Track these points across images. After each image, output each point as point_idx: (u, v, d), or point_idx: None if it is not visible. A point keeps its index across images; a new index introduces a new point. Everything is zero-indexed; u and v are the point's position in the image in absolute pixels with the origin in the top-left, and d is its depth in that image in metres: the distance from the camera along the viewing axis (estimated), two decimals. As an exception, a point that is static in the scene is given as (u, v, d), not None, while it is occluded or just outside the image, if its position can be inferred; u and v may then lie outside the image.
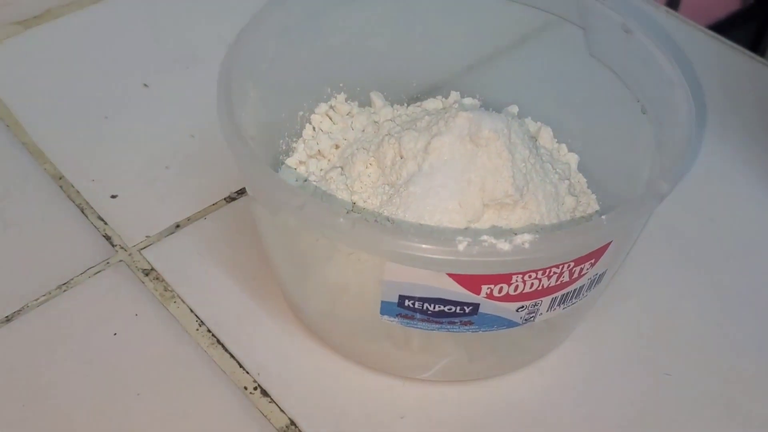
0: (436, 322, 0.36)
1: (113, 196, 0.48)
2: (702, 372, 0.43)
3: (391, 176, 0.42)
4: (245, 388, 0.41)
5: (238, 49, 0.40)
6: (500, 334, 0.37)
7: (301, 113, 0.47)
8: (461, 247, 0.31)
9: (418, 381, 0.41)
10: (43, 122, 0.53)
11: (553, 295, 0.36)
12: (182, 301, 0.44)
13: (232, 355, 0.42)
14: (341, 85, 0.49)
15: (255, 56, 0.42)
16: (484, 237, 0.32)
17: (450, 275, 0.33)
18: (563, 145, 0.48)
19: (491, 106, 0.50)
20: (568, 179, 0.45)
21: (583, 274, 0.35)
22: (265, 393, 0.40)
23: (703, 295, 0.46)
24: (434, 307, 0.35)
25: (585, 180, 0.47)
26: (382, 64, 0.49)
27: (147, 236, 0.47)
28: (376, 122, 0.48)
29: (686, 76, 0.40)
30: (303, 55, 0.45)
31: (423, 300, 0.35)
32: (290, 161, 0.46)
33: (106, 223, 0.47)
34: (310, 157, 0.47)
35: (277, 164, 0.46)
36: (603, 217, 0.33)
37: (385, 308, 0.36)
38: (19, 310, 0.43)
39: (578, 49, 0.46)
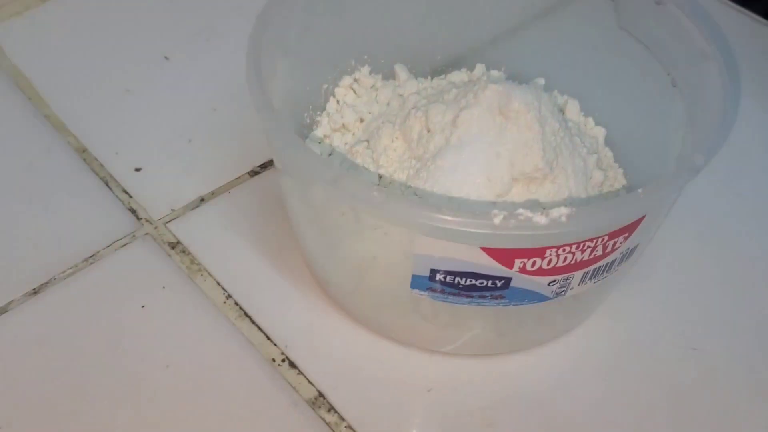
0: (467, 296, 0.36)
1: (137, 169, 0.48)
2: (729, 347, 0.43)
3: (417, 150, 0.42)
4: (273, 360, 0.41)
5: (265, 21, 0.40)
6: (530, 308, 0.37)
7: (325, 86, 0.47)
8: (497, 220, 0.31)
9: (444, 354, 0.41)
10: (64, 95, 0.52)
11: (586, 269, 0.35)
12: (209, 274, 0.44)
13: (259, 328, 0.42)
14: (365, 57, 0.48)
15: (282, 28, 0.41)
16: (521, 210, 0.31)
17: (483, 249, 0.33)
18: (590, 119, 0.48)
19: (517, 78, 0.49)
20: (596, 153, 0.45)
21: (616, 248, 0.35)
22: (293, 365, 0.40)
23: (729, 270, 0.46)
24: (465, 281, 0.35)
25: (612, 154, 0.47)
26: (407, 36, 0.49)
27: (172, 209, 0.47)
28: (401, 95, 0.47)
29: (720, 48, 0.39)
30: (328, 27, 0.45)
31: (454, 274, 0.34)
32: (314, 135, 0.46)
33: (130, 197, 0.47)
34: (335, 130, 0.46)
35: (303, 137, 0.46)
36: (639, 190, 0.33)
37: (416, 282, 0.36)
38: (46, 283, 0.43)
39: (606, 21, 0.45)
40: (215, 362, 0.40)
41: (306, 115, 0.46)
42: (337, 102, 0.48)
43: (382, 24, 0.47)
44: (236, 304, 0.43)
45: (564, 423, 0.39)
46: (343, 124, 0.46)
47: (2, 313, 0.42)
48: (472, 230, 0.31)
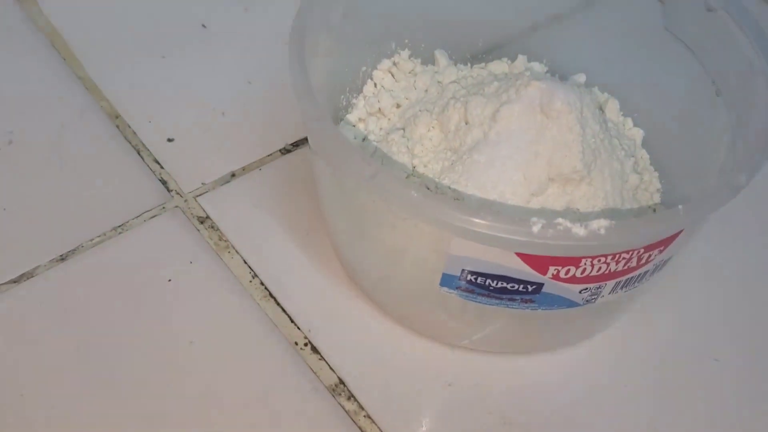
0: (497, 298, 0.35)
1: (170, 140, 0.48)
2: (751, 359, 0.42)
3: (454, 142, 0.42)
4: (296, 343, 0.41)
5: (309, 7, 0.39)
6: (558, 312, 0.37)
7: (363, 68, 0.46)
8: (535, 228, 0.31)
9: (466, 349, 0.41)
10: (99, 57, 0.52)
11: (618, 279, 0.35)
12: (236, 251, 0.44)
13: (284, 310, 0.42)
14: (406, 41, 0.47)
15: (327, 8, 0.40)
16: (560, 220, 0.31)
17: (518, 254, 0.33)
18: (629, 119, 0.47)
19: (558, 71, 0.49)
20: (633, 156, 0.44)
21: (650, 260, 0.35)
22: (315, 350, 0.41)
23: (755, 281, 0.46)
24: (497, 284, 0.34)
25: (648, 156, 0.46)
26: (448, 21, 0.48)
27: (203, 183, 0.46)
28: (439, 82, 0.47)
29: (770, 62, 0.38)
30: (372, 8, 0.44)
31: (486, 276, 0.34)
32: (350, 117, 0.46)
33: (162, 167, 0.47)
34: (370, 114, 0.46)
35: (337, 120, 0.45)
36: (680, 207, 0.32)
37: (446, 280, 0.35)
38: (74, 250, 0.43)
39: (652, 20, 0.44)
40: (238, 342, 0.40)
41: (342, 97, 0.46)
42: (375, 85, 0.47)
43: (425, 8, 0.47)
44: (262, 284, 0.43)
45: (583, 426, 0.39)
46: (380, 109, 0.46)
47: (28, 278, 0.42)
48: (511, 237, 0.31)
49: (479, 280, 0.35)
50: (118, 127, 0.48)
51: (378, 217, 0.37)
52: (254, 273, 0.43)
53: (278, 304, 0.42)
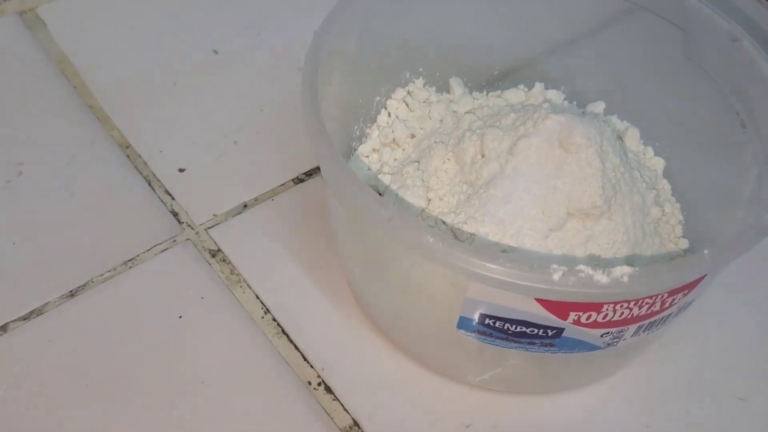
0: (515, 341, 0.35)
1: (181, 170, 0.47)
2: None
3: (470, 175, 0.41)
4: (309, 382, 0.40)
5: (323, 37, 0.38)
6: (578, 355, 0.36)
7: (377, 98, 0.46)
8: (556, 276, 0.30)
9: (483, 389, 0.40)
10: (110, 86, 0.51)
11: (641, 323, 0.34)
12: (248, 286, 0.43)
13: (296, 347, 0.41)
14: (420, 69, 0.47)
15: (341, 40, 0.40)
16: (581, 267, 0.30)
17: (538, 300, 0.32)
18: (649, 148, 0.46)
19: (576, 98, 0.48)
20: (655, 188, 0.43)
21: (674, 304, 0.34)
22: (328, 389, 0.40)
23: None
24: (516, 328, 0.34)
25: (669, 187, 0.45)
26: (464, 48, 0.47)
27: (214, 215, 0.46)
28: (455, 112, 0.46)
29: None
30: (386, 39, 0.43)
31: (505, 320, 0.33)
32: (363, 148, 0.45)
33: (173, 198, 0.46)
34: (385, 145, 0.45)
35: (350, 150, 0.45)
36: (705, 252, 0.31)
37: (463, 323, 0.34)
38: (83, 285, 0.42)
39: (673, 47, 0.43)
40: (250, 381, 0.40)
41: (356, 127, 0.45)
42: (389, 115, 0.46)
43: (439, 35, 0.46)
44: (274, 320, 0.42)
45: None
46: (394, 139, 0.45)
47: (38, 315, 0.41)
48: (530, 284, 0.30)
49: (497, 324, 0.34)
50: (128, 157, 0.48)
51: (394, 257, 0.36)
52: (266, 308, 0.42)
53: (291, 341, 0.41)
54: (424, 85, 0.47)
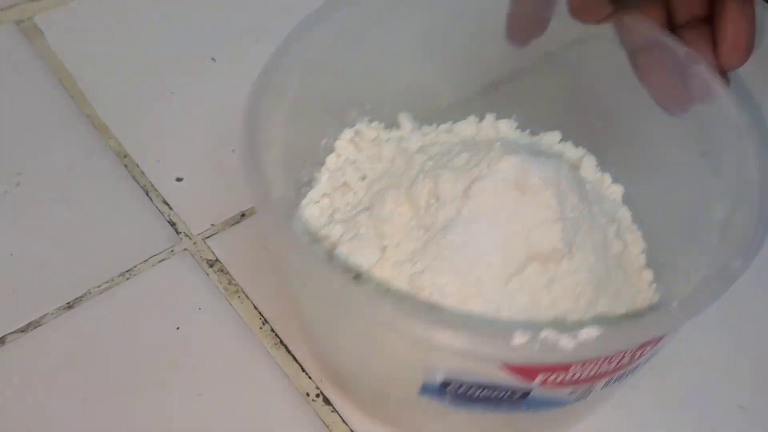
0: (481, 405, 0.33)
1: (178, 179, 0.46)
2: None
3: (425, 219, 0.39)
4: (307, 394, 0.39)
5: (264, 82, 0.36)
6: (547, 411, 0.34)
7: (324, 141, 0.44)
8: (519, 341, 0.28)
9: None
10: (107, 95, 0.50)
11: (610, 377, 0.33)
12: (246, 296, 0.42)
13: (294, 359, 0.40)
14: (367, 107, 0.45)
15: (282, 87, 0.38)
16: (546, 332, 0.28)
17: (503, 366, 0.30)
18: (607, 175, 0.45)
19: (529, 126, 0.47)
20: (615, 222, 0.42)
21: (644, 355, 0.32)
22: (327, 401, 0.39)
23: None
24: (481, 393, 0.32)
25: (629, 214, 0.44)
26: (411, 82, 0.45)
27: (212, 224, 0.45)
28: (406, 149, 0.44)
29: (757, 123, 0.36)
30: (329, 79, 0.41)
31: (470, 386, 0.32)
32: (313, 193, 0.43)
33: (170, 208, 0.45)
34: (335, 189, 0.43)
35: (299, 197, 0.43)
36: (675, 303, 0.30)
37: (426, 389, 0.33)
38: (81, 297, 0.42)
39: (628, 73, 0.42)
40: (248, 393, 0.39)
41: (304, 172, 0.43)
42: (338, 156, 0.44)
43: (384, 71, 0.44)
44: (272, 330, 0.41)
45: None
46: (344, 183, 0.43)
47: (35, 327, 0.40)
48: (492, 352, 0.29)
49: (461, 389, 0.32)
50: (126, 166, 0.47)
51: (349, 318, 0.34)
52: (264, 319, 0.41)
53: (289, 352, 0.40)
54: (371, 123, 0.45)
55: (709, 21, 0.39)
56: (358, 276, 0.38)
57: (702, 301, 0.30)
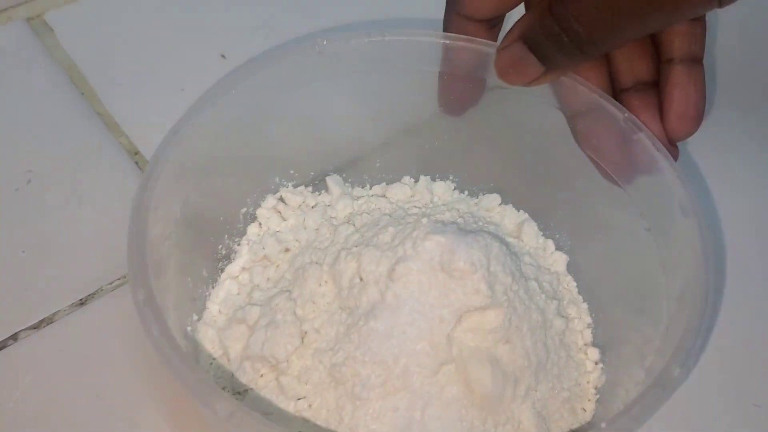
0: None
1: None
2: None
3: (348, 300, 0.36)
4: None
5: (165, 151, 0.33)
6: None
7: (244, 210, 0.40)
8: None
9: None
10: (118, 92, 0.49)
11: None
12: None
13: None
14: (292, 172, 0.41)
15: (188, 156, 0.35)
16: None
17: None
18: (550, 242, 0.42)
19: (467, 188, 0.44)
20: (556, 299, 0.39)
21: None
22: None
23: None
24: None
25: (575, 284, 0.41)
26: (338, 143, 0.42)
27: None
28: (333, 218, 0.41)
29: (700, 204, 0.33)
30: (245, 145, 0.38)
31: None
32: (231, 268, 0.40)
33: None
34: (255, 262, 0.40)
35: (216, 273, 0.39)
36: (603, 425, 0.27)
37: None
38: (93, 294, 0.41)
39: (568, 136, 0.39)
40: None
41: (221, 246, 0.40)
42: (260, 226, 0.41)
43: (307, 133, 0.41)
44: None
45: None
46: (265, 256, 0.40)
47: (48, 324, 0.40)
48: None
49: None
50: (137, 164, 0.46)
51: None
52: None
53: None
54: (296, 188, 0.42)
55: (656, 85, 0.36)
56: (243, 393, 0.35)
57: (635, 420, 0.27)
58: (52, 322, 0.40)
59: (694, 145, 0.48)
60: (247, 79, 0.36)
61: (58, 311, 0.40)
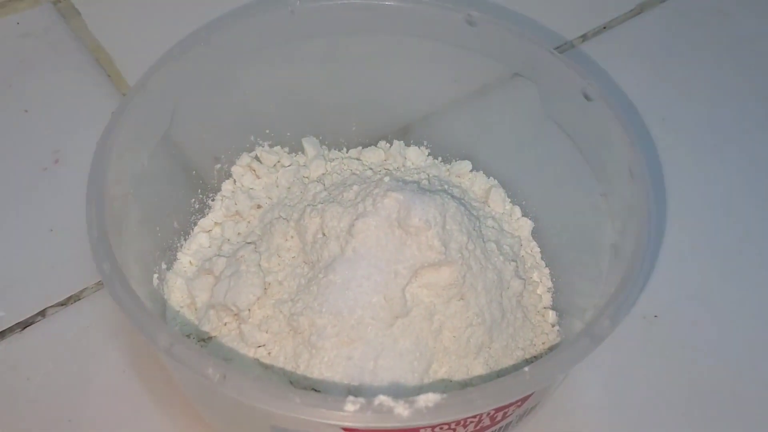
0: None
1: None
2: None
3: (312, 254, 0.37)
4: None
5: (131, 100, 0.35)
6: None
7: (218, 166, 0.42)
8: (351, 409, 0.26)
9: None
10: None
11: (475, 437, 0.31)
12: None
13: None
14: (267, 131, 0.43)
15: (154, 106, 0.36)
16: (380, 399, 0.27)
17: (346, 429, 0.28)
18: (516, 208, 0.43)
19: (441, 154, 0.45)
20: (515, 261, 0.39)
21: (509, 415, 0.30)
22: None
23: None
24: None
25: (539, 250, 0.42)
26: (316, 106, 0.43)
27: None
28: (306, 177, 0.42)
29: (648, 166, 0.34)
30: (218, 101, 0.39)
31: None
32: (204, 222, 0.41)
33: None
34: (228, 218, 0.41)
35: (189, 225, 0.41)
36: (526, 369, 0.28)
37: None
38: None
39: (538, 107, 0.40)
40: None
41: (194, 200, 0.41)
42: (234, 182, 0.42)
43: (284, 95, 0.42)
44: None
45: None
46: (237, 212, 0.41)
47: (75, 301, 0.41)
48: (326, 420, 0.27)
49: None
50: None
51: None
52: None
53: None
54: (272, 147, 0.43)
55: None
56: (207, 340, 0.37)
57: (555, 368, 0.28)
58: (79, 299, 0.41)
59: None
60: (216, 34, 0.37)
61: (86, 288, 0.41)
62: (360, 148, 0.45)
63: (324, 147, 0.44)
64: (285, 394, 0.27)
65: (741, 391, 0.40)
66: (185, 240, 0.40)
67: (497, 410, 0.29)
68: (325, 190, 0.40)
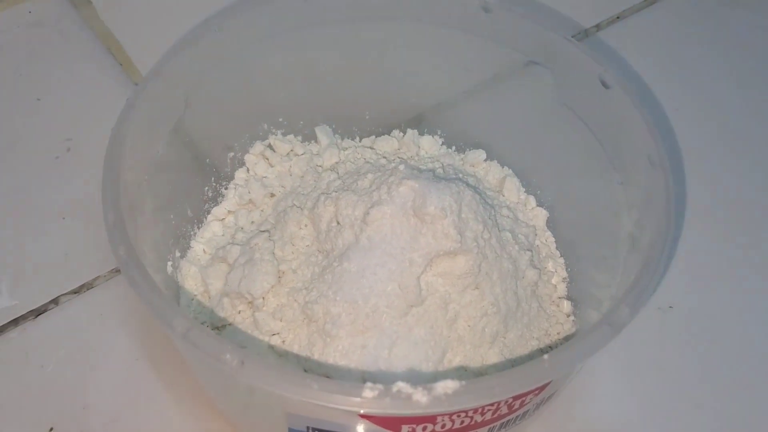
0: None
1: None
2: None
3: (326, 243, 0.37)
4: None
5: (143, 92, 0.34)
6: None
7: (231, 155, 0.41)
8: (370, 395, 0.26)
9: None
10: (155, 62, 0.48)
11: (491, 426, 0.30)
12: None
13: None
14: (281, 120, 0.42)
15: (166, 95, 0.36)
16: (399, 385, 0.26)
17: (363, 416, 0.28)
18: (531, 198, 0.42)
19: (455, 144, 0.44)
20: (530, 250, 0.39)
21: (526, 404, 0.30)
22: None
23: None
24: (348, 440, 0.30)
25: (554, 239, 0.42)
26: (329, 96, 0.43)
27: None
28: (319, 166, 0.42)
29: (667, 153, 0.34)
30: (231, 90, 0.39)
31: (335, 433, 0.30)
32: (218, 210, 0.41)
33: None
34: (241, 206, 0.41)
35: (202, 213, 0.41)
36: (546, 356, 0.27)
37: (294, 433, 0.31)
38: None
39: (553, 96, 0.39)
40: None
41: (207, 188, 0.41)
42: (248, 170, 0.42)
43: (297, 84, 0.42)
44: None
45: None
46: (251, 200, 0.41)
47: (88, 289, 0.41)
48: (343, 407, 0.26)
49: (327, 436, 0.30)
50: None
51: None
52: None
53: None
54: (285, 136, 0.43)
55: None
56: (221, 328, 0.37)
57: (574, 356, 0.28)
58: (92, 287, 0.41)
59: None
60: (229, 21, 0.37)
61: (98, 277, 0.41)
62: (373, 137, 0.45)
63: (337, 136, 0.44)
64: (303, 380, 0.26)
65: (756, 382, 0.40)
66: (199, 228, 0.40)
67: (515, 398, 0.29)
68: (339, 178, 0.40)
